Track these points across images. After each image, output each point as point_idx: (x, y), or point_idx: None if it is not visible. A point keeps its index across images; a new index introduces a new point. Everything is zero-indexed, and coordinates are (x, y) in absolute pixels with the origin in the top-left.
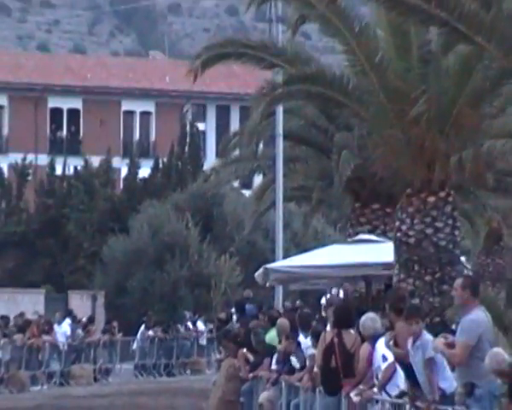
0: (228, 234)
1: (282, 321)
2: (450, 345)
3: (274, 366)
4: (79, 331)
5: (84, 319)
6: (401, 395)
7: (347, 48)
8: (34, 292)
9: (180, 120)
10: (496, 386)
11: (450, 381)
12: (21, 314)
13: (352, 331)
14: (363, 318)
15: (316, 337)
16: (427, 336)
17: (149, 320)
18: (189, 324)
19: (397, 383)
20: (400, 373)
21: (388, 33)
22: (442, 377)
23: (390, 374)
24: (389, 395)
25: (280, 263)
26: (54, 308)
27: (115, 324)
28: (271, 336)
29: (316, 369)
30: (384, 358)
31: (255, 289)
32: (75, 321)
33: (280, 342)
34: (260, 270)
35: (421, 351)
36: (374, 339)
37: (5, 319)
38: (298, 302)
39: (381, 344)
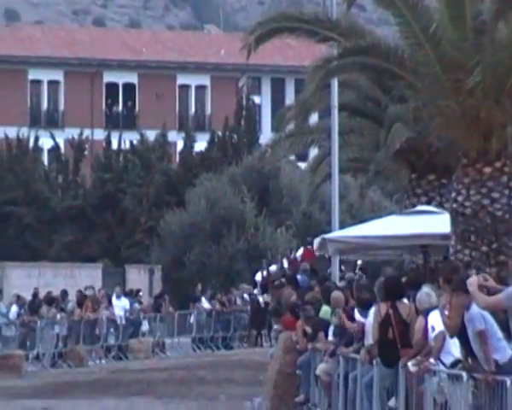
0: (284, 207)
1: (337, 294)
2: (487, 289)
3: (330, 338)
4: (137, 305)
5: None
6: (456, 363)
7: (402, 19)
8: (92, 267)
9: (236, 93)
10: None
11: (503, 352)
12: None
13: (405, 301)
14: (419, 293)
15: (362, 306)
16: (476, 309)
17: (206, 293)
18: (246, 296)
19: (450, 352)
20: (455, 342)
21: (442, 4)
22: (494, 348)
23: (440, 342)
24: (444, 365)
25: (338, 233)
26: (111, 283)
27: (166, 297)
28: (325, 310)
29: (371, 342)
30: (432, 328)
31: (313, 260)
32: (132, 295)
33: (333, 315)
34: (318, 240)
35: (471, 324)
36: (427, 312)
37: (64, 293)
38: (355, 274)
39: (431, 316)
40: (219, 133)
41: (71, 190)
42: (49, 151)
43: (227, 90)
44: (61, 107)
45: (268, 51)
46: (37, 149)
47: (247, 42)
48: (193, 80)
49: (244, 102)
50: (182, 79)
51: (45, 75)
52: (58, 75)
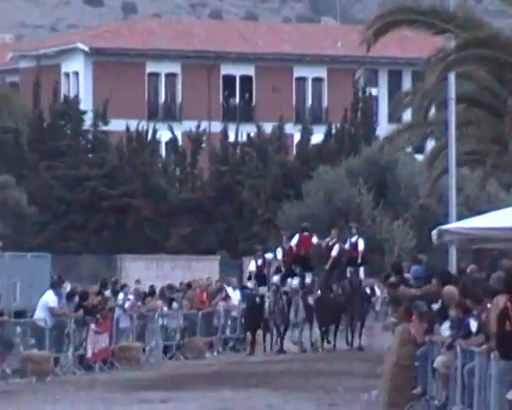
0: (401, 199)
1: (450, 289)
2: None
3: (447, 332)
4: None
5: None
6: None
7: None
8: (209, 259)
9: (352, 85)
10: None
11: None
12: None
13: None
14: None
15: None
16: None
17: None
18: (368, 289)
19: None
20: None
21: None
22: None
23: None
24: None
25: (455, 224)
26: (228, 274)
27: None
28: None
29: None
30: None
31: (429, 253)
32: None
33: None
34: (435, 231)
35: None
36: None
37: (183, 285)
38: (471, 266)
39: None
40: (337, 125)
41: (188, 182)
42: (167, 144)
43: (344, 83)
44: (179, 99)
45: (385, 43)
46: (155, 142)
47: (365, 36)
48: (309, 72)
49: (361, 94)
50: (298, 72)
51: (163, 68)
52: (176, 68)
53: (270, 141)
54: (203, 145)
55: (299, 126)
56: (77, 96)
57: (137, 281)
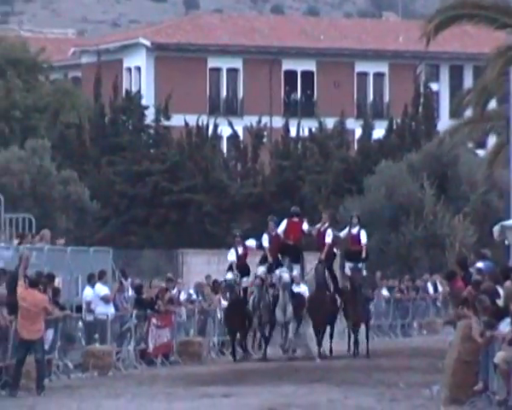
0: (462, 194)
1: (510, 285)
2: None
3: (508, 327)
4: None
5: None
6: None
7: None
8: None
9: (413, 80)
10: None
11: None
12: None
13: None
14: None
15: None
16: None
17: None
18: (429, 285)
19: None
20: None
21: None
22: None
23: None
24: None
25: None
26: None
27: (378, 273)
28: None
29: None
30: None
31: (491, 248)
32: None
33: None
34: (496, 227)
35: None
36: None
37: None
38: None
39: None
40: (398, 120)
41: (250, 177)
42: (228, 139)
43: (405, 78)
44: (240, 94)
45: (446, 38)
46: (217, 137)
47: (426, 30)
48: (371, 68)
49: (422, 89)
50: (360, 67)
51: (224, 63)
52: (237, 63)
53: (332, 136)
54: (264, 140)
55: (361, 121)
56: (138, 92)
57: (208, 276)
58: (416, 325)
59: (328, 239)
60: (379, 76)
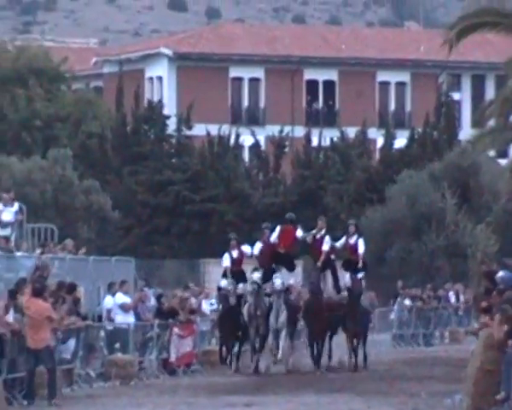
0: (484, 204)
1: None
2: None
3: None
4: None
5: None
6: None
7: None
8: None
9: (435, 90)
10: None
11: None
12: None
13: None
14: None
15: None
16: None
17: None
18: (451, 294)
19: None
20: None
21: None
22: None
23: None
24: None
25: None
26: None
27: (372, 294)
28: None
29: None
30: None
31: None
32: None
33: None
34: None
35: None
36: None
37: None
38: None
39: None
40: (419, 130)
41: (271, 186)
42: (250, 148)
43: (427, 87)
44: (262, 104)
45: (468, 47)
46: (238, 147)
47: (447, 37)
48: (393, 77)
49: (443, 98)
50: (382, 76)
51: (246, 73)
52: (259, 73)
53: (353, 145)
54: (286, 150)
55: (383, 131)
56: (160, 101)
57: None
58: (438, 335)
59: (326, 246)
60: (401, 85)
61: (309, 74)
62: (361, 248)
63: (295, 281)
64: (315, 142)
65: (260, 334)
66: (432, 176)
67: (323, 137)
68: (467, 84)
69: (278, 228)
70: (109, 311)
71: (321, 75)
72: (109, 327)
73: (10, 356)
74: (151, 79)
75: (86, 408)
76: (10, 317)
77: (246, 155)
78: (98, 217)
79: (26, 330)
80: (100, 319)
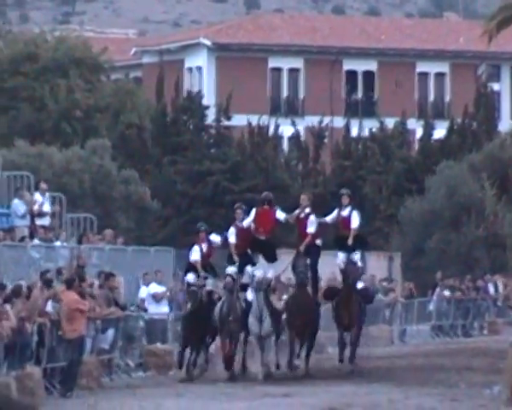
0: None
1: None
2: None
3: None
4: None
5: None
6: None
7: None
8: (328, 254)
9: (475, 80)
10: None
11: None
12: None
13: None
14: None
15: None
16: None
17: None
18: (490, 285)
19: None
20: None
21: None
22: None
23: None
24: None
25: None
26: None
27: (411, 285)
28: None
29: None
30: None
31: None
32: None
33: None
34: None
35: None
36: None
37: None
38: None
39: None
40: (458, 120)
41: (311, 177)
42: (290, 139)
43: (466, 78)
44: (301, 94)
45: (508, 38)
46: (278, 137)
47: (487, 28)
48: (432, 68)
49: (483, 89)
50: (421, 67)
51: (285, 63)
52: (298, 63)
53: (393, 136)
54: (325, 140)
55: (422, 121)
56: (200, 91)
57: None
58: (477, 326)
59: (311, 229)
60: (440, 76)
61: (348, 65)
62: (355, 222)
63: (274, 274)
64: (354, 132)
65: (234, 338)
66: (471, 167)
67: (363, 127)
68: (506, 75)
69: (253, 211)
70: (143, 301)
71: (360, 66)
72: (148, 317)
73: (49, 346)
74: (190, 69)
75: (125, 398)
76: (49, 307)
77: (285, 146)
78: (137, 207)
79: (62, 321)
80: (139, 309)
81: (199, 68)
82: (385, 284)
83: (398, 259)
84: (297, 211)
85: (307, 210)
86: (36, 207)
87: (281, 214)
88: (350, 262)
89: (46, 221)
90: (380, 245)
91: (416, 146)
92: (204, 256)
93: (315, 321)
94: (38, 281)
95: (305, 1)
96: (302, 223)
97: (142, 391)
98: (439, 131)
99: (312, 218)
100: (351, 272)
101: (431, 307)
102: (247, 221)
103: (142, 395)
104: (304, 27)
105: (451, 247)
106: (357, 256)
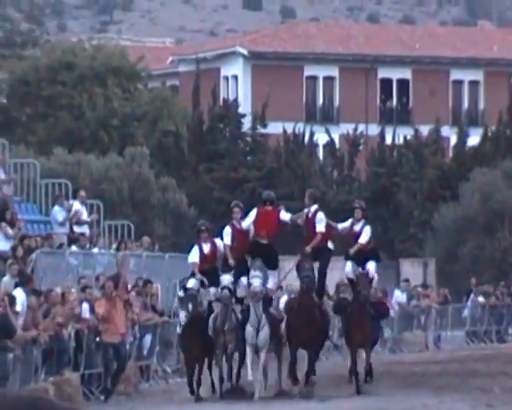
0: None
1: None
2: None
3: None
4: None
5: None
6: None
7: None
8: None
9: (508, 88)
10: None
11: None
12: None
13: None
14: None
15: None
16: None
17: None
18: None
19: None
20: None
21: None
22: None
23: None
24: None
25: None
26: (386, 275)
27: (446, 291)
28: None
29: None
30: None
31: None
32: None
33: None
34: None
35: None
36: None
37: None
38: None
39: None
40: (492, 128)
41: (346, 184)
42: (325, 146)
43: (500, 85)
44: (336, 102)
45: None
46: (313, 145)
47: None
48: (466, 75)
49: None
50: (455, 75)
51: (321, 71)
52: (333, 71)
53: (427, 143)
54: (360, 148)
55: (456, 129)
56: (236, 100)
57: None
58: (511, 331)
59: (321, 227)
60: (474, 84)
61: (383, 73)
62: (364, 237)
63: (275, 284)
64: (389, 140)
65: (229, 352)
66: (505, 173)
67: (397, 134)
68: None
69: (254, 211)
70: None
71: (395, 74)
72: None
73: (87, 351)
74: (226, 77)
75: (163, 404)
76: (86, 313)
77: (320, 153)
78: (174, 214)
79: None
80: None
81: (235, 77)
82: (420, 289)
83: (433, 265)
84: (305, 210)
85: (314, 208)
86: (75, 215)
87: (286, 215)
88: (361, 275)
89: (85, 229)
90: (414, 251)
91: (450, 153)
92: (205, 259)
93: (320, 335)
94: (75, 287)
95: (341, 10)
96: (310, 222)
97: (180, 397)
98: (473, 139)
99: (321, 215)
100: (362, 286)
101: (465, 312)
102: (247, 222)
103: (180, 401)
104: (339, 36)
105: (485, 253)
106: (372, 266)
